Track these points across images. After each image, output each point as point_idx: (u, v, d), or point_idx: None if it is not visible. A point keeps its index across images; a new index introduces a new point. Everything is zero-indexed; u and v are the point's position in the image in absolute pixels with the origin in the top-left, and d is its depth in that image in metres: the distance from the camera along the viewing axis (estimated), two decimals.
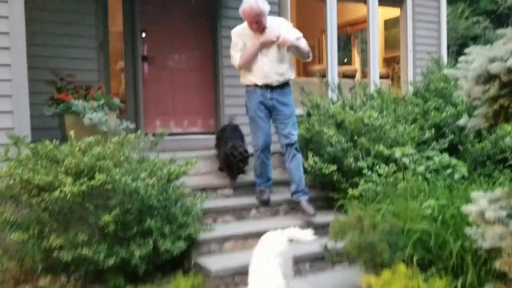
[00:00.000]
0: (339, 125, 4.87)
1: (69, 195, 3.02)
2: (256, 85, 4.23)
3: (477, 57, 2.24)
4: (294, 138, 4.24)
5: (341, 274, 3.81)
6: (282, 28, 4.22)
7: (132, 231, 3.33)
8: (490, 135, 4.93)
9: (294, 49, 4.22)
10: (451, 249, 3.02)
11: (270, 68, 4.16)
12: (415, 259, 3.03)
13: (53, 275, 3.32)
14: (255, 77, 4.21)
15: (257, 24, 4.09)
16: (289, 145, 4.22)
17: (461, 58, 2.52)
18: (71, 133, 3.64)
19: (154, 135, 4.04)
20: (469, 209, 2.20)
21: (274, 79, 4.19)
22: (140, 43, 5.74)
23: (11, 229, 3.18)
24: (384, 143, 4.60)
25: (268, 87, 4.21)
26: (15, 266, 3.30)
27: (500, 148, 4.87)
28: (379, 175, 4.25)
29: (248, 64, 4.20)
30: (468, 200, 3.50)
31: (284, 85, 4.26)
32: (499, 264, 2.26)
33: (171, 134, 4.71)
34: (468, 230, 2.84)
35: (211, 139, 5.45)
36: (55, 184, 3.13)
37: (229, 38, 4.44)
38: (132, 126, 4.72)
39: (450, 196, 3.67)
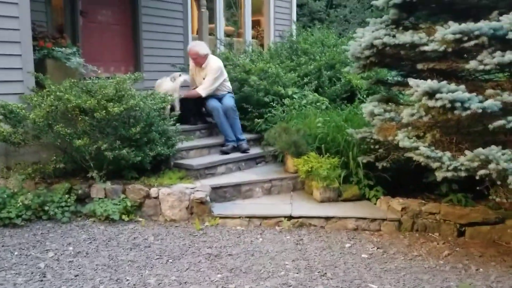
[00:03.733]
0: (247, 73, 6.84)
1: (114, 113, 4.44)
2: None
3: (366, 35, 4.47)
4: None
5: (265, 167, 5.94)
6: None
7: (143, 140, 4.87)
8: (339, 81, 7.46)
9: None
10: (339, 141, 5.38)
11: None
12: (323, 148, 5.31)
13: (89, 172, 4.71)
14: None
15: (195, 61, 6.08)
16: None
17: (354, 35, 4.75)
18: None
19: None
20: (365, 110, 4.47)
21: None
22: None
23: (69, 138, 4.45)
24: (278, 85, 6.76)
25: None
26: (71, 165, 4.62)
27: (345, 90, 7.44)
28: (282, 105, 6.41)
29: None
30: (337, 118, 5.94)
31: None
32: (376, 134, 4.58)
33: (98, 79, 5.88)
34: (348, 131, 5.20)
35: None
36: (96, 108, 4.48)
37: None
38: (98, 69, 5.98)
39: (327, 116, 6.04)
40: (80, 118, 4.47)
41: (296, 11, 15.14)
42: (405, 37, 4.24)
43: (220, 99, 6.09)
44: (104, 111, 4.46)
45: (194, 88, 6.15)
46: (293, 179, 5.51)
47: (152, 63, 7.71)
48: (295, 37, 9.19)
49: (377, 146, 4.89)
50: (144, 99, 4.89)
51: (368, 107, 4.46)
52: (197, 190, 4.71)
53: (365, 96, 6.83)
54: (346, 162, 5.27)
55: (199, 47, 6.08)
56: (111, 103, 4.51)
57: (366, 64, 4.98)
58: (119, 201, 4.61)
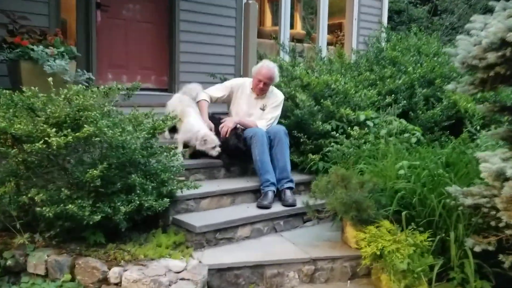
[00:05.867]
0: (304, 87, 4.92)
1: (54, 147, 2.78)
2: None
3: (493, 24, 2.38)
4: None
5: (315, 229, 3.96)
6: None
7: (116, 187, 3.15)
8: (439, 103, 5.26)
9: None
10: (432, 206, 3.25)
11: None
12: (403, 215, 3.21)
13: (28, 232, 3.08)
14: None
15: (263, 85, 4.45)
16: None
17: (468, 26, 2.66)
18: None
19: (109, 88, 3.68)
20: (485, 167, 2.37)
21: None
22: None
23: None
24: (347, 106, 4.75)
25: None
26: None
27: (447, 116, 5.22)
28: (348, 136, 4.40)
29: None
30: (434, 161, 3.81)
31: None
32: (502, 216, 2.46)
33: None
34: (450, 189, 3.08)
35: (165, 96, 5.31)
36: (35, 135, 2.86)
37: None
38: (93, 77, 4.43)
39: (416, 157, 3.93)
40: (3, 151, 2.86)
41: (393, 18, 12.94)
42: None
43: None
44: (42, 142, 2.82)
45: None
46: (353, 259, 3.44)
47: (191, 72, 6.02)
48: (383, 43, 7.10)
49: (502, 224, 2.75)
50: (119, 124, 3.18)
51: (492, 161, 2.32)
52: (181, 279, 2.87)
53: (478, 127, 4.60)
54: (443, 242, 3.15)
55: (277, 73, 4.56)
56: (55, 129, 2.86)
57: (486, 78, 2.86)
58: (59, 285, 2.92)
